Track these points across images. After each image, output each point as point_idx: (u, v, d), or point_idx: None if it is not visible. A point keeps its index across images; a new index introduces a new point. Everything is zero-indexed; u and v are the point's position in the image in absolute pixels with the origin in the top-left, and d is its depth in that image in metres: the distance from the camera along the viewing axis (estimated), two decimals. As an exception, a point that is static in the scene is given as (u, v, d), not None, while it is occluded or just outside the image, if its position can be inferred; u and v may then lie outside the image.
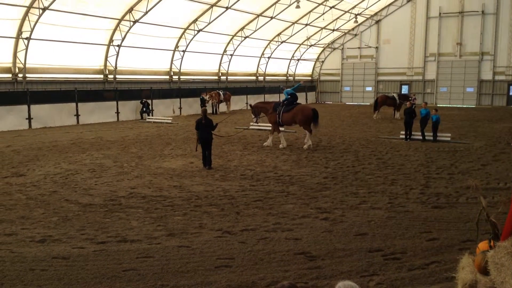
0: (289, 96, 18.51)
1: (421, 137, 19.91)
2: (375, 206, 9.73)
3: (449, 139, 19.66)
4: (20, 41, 24.49)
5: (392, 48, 45.51)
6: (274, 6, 34.96)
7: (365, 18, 45.25)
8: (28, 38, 24.34)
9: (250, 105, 20.22)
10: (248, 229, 8.22)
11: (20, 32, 24.23)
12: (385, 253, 7.07)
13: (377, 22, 46.02)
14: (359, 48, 47.57)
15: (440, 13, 42.66)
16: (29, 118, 24.82)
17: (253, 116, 19.72)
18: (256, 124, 20.19)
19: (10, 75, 24.93)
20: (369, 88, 47.71)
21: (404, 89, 44.27)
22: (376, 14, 45.44)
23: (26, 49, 24.62)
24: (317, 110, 18.13)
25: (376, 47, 46.45)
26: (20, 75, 25.16)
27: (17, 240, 7.72)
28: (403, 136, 20.38)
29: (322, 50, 49.64)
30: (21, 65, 25.00)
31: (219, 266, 6.63)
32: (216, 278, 6.24)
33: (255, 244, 7.47)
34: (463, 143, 18.93)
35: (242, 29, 36.87)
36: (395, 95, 31.97)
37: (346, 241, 7.61)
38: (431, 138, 19.65)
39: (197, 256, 7.01)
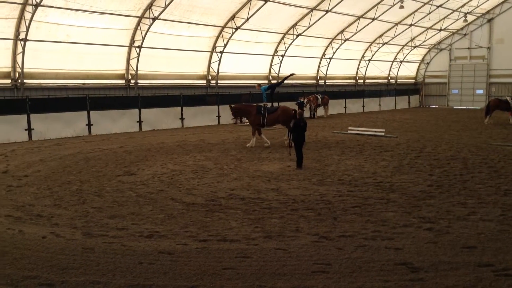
0: (268, 91, 21.41)
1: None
2: (486, 218, 9.02)
3: None
4: (133, 49, 26.46)
5: (506, 48, 41.87)
6: (376, 7, 33.99)
7: (475, 17, 42.24)
8: (140, 47, 26.22)
9: (230, 106, 20.56)
10: (345, 236, 8.06)
11: (132, 41, 26.20)
12: (497, 268, 6.52)
13: (489, 20, 42.70)
14: (468, 48, 44.50)
15: None
16: (140, 121, 26.69)
17: (232, 117, 20.35)
18: (243, 124, 20.88)
19: (123, 81, 27.04)
20: (480, 91, 44.38)
21: (520, 92, 40.55)
22: (488, 12, 42.20)
23: (138, 56, 26.51)
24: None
25: (488, 47, 43.13)
26: (132, 81, 27.19)
27: (128, 234, 8.32)
28: (519, 143, 18.73)
29: (428, 51, 47.22)
30: (133, 72, 27.01)
31: (316, 271, 6.57)
32: (313, 283, 6.19)
33: (353, 251, 7.30)
34: None
35: (341, 32, 36.34)
36: (509, 98, 29.48)
37: (452, 253, 7.14)
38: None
39: (293, 259, 7.02)
